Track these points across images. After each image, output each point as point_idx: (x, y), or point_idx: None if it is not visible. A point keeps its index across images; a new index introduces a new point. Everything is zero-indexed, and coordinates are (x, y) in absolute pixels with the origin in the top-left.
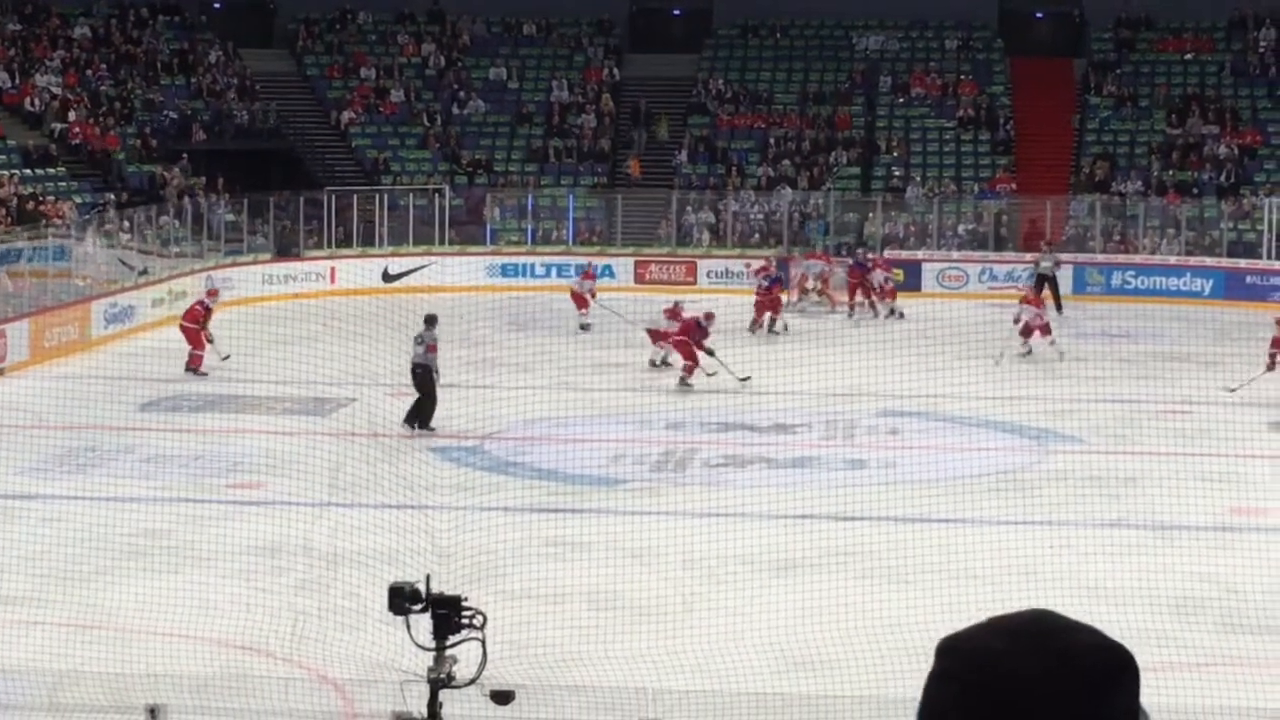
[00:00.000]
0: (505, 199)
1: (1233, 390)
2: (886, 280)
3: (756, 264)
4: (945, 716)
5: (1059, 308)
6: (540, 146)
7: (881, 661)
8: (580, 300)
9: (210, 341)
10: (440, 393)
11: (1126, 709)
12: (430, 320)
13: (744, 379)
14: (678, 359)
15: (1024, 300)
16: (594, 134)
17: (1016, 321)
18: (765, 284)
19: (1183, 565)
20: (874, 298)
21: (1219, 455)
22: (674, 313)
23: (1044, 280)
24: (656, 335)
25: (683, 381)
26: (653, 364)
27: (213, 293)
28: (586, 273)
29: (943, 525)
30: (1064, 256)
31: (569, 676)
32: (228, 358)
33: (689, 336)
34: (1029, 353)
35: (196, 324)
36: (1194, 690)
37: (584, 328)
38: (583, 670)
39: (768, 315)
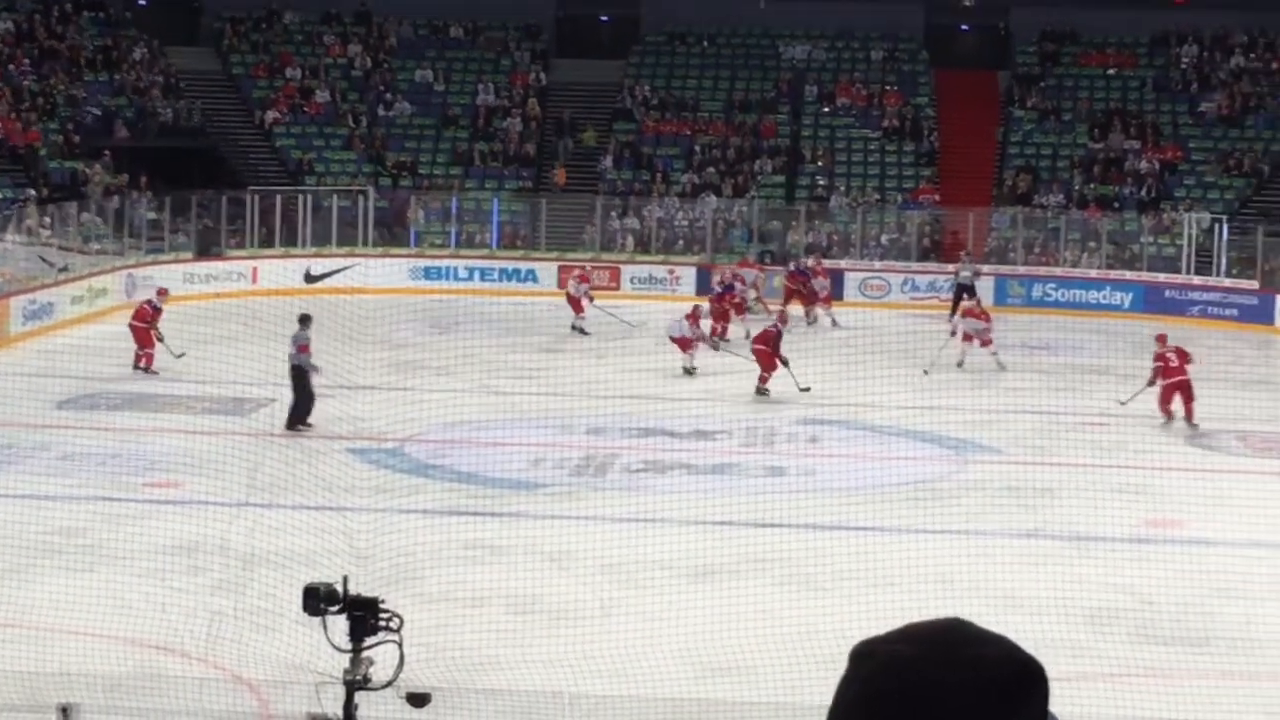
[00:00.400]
0: (430, 202)
1: (1123, 404)
2: (824, 288)
3: (720, 275)
4: None
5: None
6: (466, 150)
7: (797, 668)
8: (575, 304)
9: (160, 340)
10: (323, 391)
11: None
12: (304, 320)
13: (805, 389)
14: (697, 358)
15: (966, 312)
16: (520, 138)
17: (954, 334)
18: (719, 290)
19: (1098, 576)
20: (813, 305)
21: (1135, 467)
22: (695, 317)
23: (963, 290)
24: (685, 343)
25: (759, 390)
26: (686, 371)
27: (161, 292)
28: (582, 275)
29: (860, 533)
30: (985, 268)
31: (486, 680)
32: (183, 355)
33: (769, 345)
34: (961, 364)
35: (146, 323)
36: (1107, 701)
37: (580, 331)
38: (500, 674)
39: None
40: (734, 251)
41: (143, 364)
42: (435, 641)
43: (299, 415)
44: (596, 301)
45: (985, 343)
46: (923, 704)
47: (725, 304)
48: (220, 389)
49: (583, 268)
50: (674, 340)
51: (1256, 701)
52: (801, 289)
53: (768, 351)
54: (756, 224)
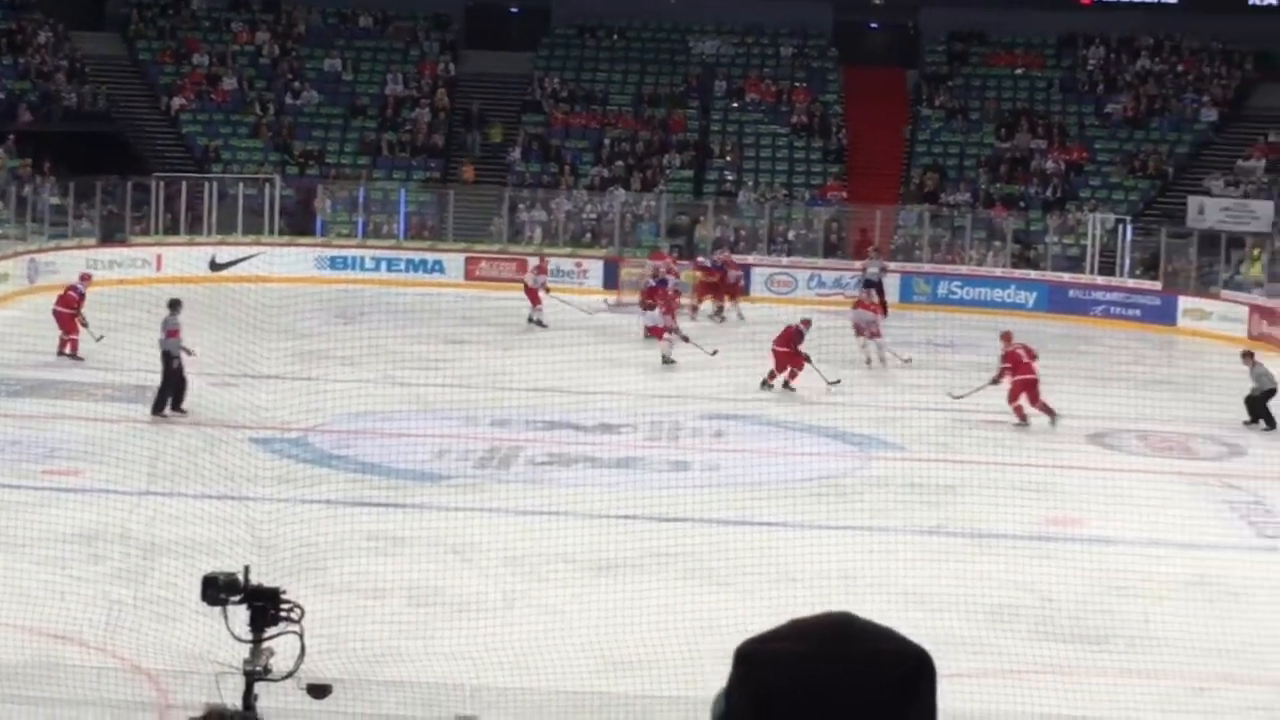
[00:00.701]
0: (337, 191)
1: (957, 398)
2: (738, 280)
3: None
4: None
5: (884, 313)
6: (374, 139)
7: (699, 662)
8: (533, 295)
9: (85, 326)
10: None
11: (924, 713)
12: (173, 305)
13: (834, 382)
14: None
15: (858, 304)
16: (428, 129)
17: (859, 331)
18: (653, 284)
19: (999, 573)
20: (725, 300)
21: (1037, 466)
22: (668, 308)
23: (870, 285)
24: (658, 332)
25: (786, 385)
26: (665, 362)
27: (85, 277)
28: (540, 266)
29: (764, 528)
30: (892, 265)
31: (387, 672)
32: (102, 338)
33: (790, 345)
34: (869, 361)
35: (70, 309)
36: (1007, 697)
37: (538, 324)
38: (401, 666)
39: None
40: (642, 245)
41: (68, 350)
42: (337, 632)
43: (163, 400)
44: (553, 293)
45: (874, 335)
46: (817, 701)
47: (656, 299)
48: (123, 376)
49: (540, 257)
50: (649, 330)
51: (1154, 699)
52: (717, 283)
53: (788, 353)
54: (665, 218)
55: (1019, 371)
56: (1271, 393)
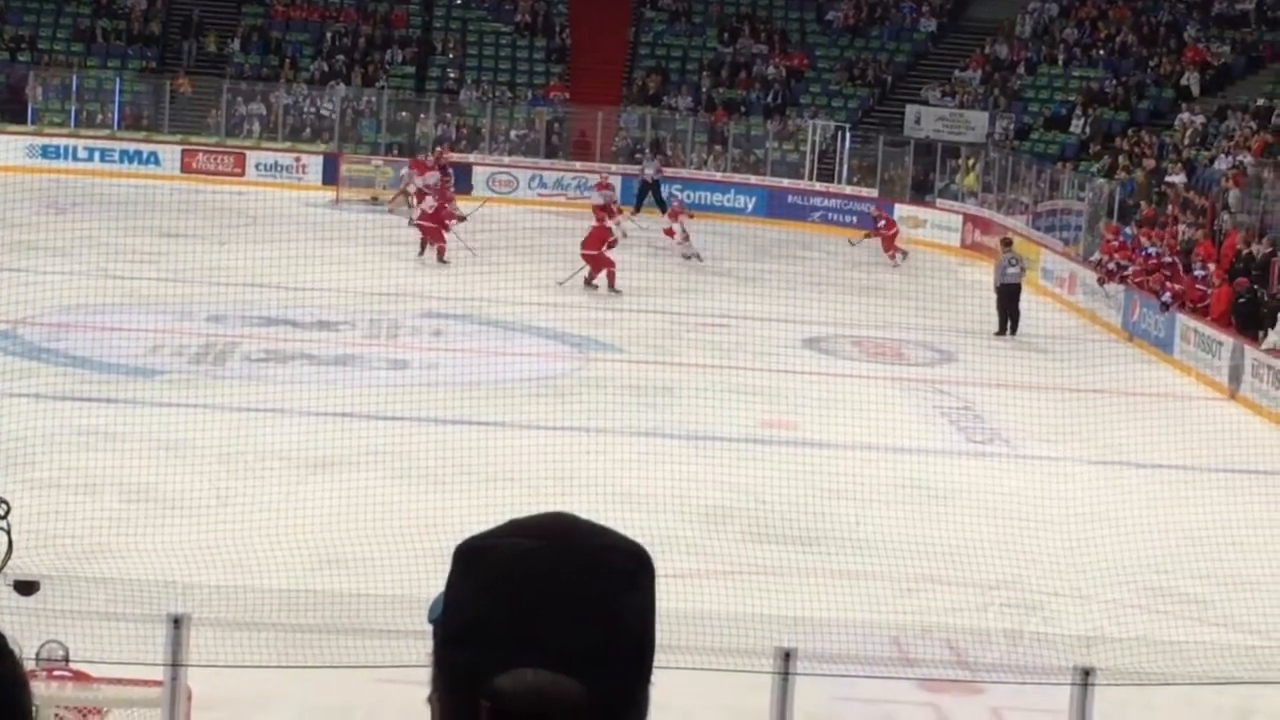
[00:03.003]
0: (49, 78)
1: (561, 283)
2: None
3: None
4: (465, 619)
5: (663, 210)
6: (88, 26)
7: (415, 561)
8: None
9: None
10: None
11: (642, 605)
12: None
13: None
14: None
15: (675, 214)
16: (144, 17)
17: (676, 236)
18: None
19: (714, 475)
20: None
21: (753, 369)
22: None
23: (646, 187)
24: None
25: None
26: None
27: None
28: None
29: (482, 428)
30: (614, 167)
31: (97, 568)
32: None
33: (597, 248)
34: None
35: None
36: (720, 597)
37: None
38: (111, 562)
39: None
40: (362, 142)
41: None
42: (46, 529)
43: None
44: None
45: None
46: (538, 594)
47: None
48: None
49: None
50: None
51: (863, 599)
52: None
53: (596, 255)
54: (385, 115)
55: (584, 247)
56: (1017, 288)
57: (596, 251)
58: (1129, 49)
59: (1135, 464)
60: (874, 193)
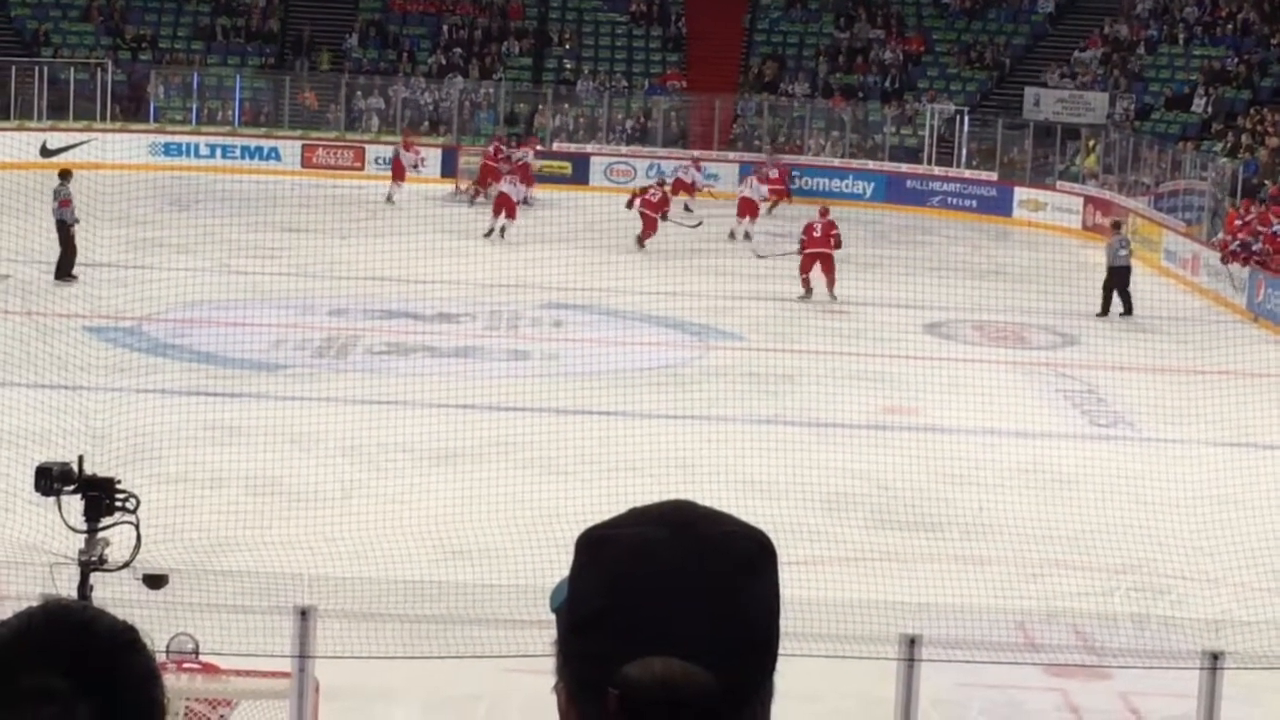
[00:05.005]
0: (170, 77)
1: (761, 257)
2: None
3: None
4: (591, 608)
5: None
6: (208, 24)
7: (540, 551)
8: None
9: None
10: (78, 245)
11: (767, 592)
12: (64, 175)
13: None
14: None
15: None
16: (263, 13)
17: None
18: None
19: (836, 462)
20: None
21: (874, 355)
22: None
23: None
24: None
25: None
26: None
27: None
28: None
29: (603, 417)
30: (731, 155)
31: (224, 561)
32: None
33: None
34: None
35: None
36: (844, 584)
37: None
38: (238, 555)
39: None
40: (480, 134)
41: None
42: (173, 522)
43: (65, 268)
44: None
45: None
46: (662, 582)
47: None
48: None
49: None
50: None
51: (988, 585)
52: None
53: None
54: (503, 106)
55: (810, 245)
56: (1127, 270)
57: (655, 215)
58: (1251, 26)
59: (1262, 445)
60: (993, 176)
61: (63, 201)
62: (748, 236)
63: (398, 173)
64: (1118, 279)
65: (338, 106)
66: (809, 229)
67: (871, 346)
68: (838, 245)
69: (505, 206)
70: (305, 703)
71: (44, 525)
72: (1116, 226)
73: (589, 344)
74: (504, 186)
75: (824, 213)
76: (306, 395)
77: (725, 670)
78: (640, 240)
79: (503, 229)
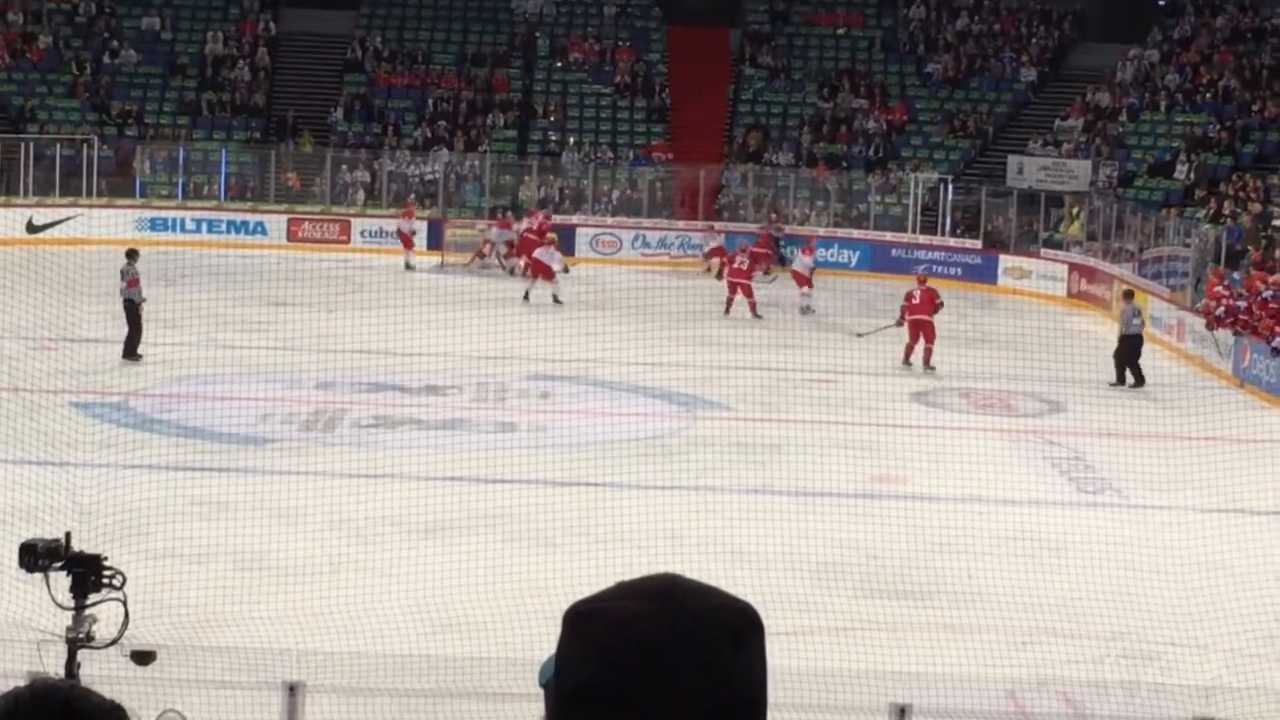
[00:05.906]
0: (156, 151)
1: (860, 335)
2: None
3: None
4: (580, 681)
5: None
6: (193, 99)
7: (528, 624)
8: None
9: None
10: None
11: (754, 664)
12: (131, 254)
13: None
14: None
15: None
16: (248, 88)
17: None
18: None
19: (824, 531)
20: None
21: (861, 424)
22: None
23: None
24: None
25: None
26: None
27: None
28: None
29: (590, 489)
30: (717, 225)
31: (212, 637)
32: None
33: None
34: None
35: None
36: (833, 654)
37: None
38: (226, 631)
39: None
40: (465, 206)
41: None
42: (161, 599)
43: (131, 347)
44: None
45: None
46: (648, 656)
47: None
48: None
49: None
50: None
51: (977, 653)
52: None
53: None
54: (489, 179)
55: (912, 311)
56: (1139, 339)
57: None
58: (1232, 93)
59: (1250, 511)
60: (978, 244)
61: (130, 281)
62: (810, 310)
63: (406, 242)
64: (1129, 348)
65: (323, 180)
66: (909, 296)
67: (858, 415)
68: (938, 309)
69: (542, 272)
70: None
71: (31, 602)
72: (1129, 296)
73: (576, 415)
74: (539, 254)
75: (922, 280)
76: (294, 469)
77: None
78: (753, 309)
79: (555, 296)
